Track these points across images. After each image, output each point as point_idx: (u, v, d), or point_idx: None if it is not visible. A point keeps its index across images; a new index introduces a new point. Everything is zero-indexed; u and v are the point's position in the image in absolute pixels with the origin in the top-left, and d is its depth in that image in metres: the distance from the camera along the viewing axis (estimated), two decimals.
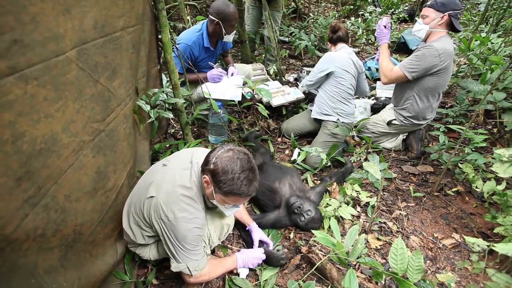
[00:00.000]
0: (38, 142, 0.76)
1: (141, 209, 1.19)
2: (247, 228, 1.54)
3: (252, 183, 1.09)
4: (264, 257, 1.40)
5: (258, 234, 1.50)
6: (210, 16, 2.10)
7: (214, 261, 1.29)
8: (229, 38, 2.22)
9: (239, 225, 1.60)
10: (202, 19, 2.31)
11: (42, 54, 0.75)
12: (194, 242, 1.15)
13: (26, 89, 0.71)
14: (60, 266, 0.92)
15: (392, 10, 5.43)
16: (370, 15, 4.81)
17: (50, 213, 0.83)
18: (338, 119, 2.15)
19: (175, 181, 1.16)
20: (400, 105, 2.13)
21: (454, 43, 3.63)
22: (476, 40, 2.98)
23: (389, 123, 2.21)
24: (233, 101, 2.25)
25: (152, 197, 1.15)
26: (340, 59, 2.11)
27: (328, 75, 2.15)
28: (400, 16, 5.07)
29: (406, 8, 5.46)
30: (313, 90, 2.45)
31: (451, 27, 1.87)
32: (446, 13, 1.81)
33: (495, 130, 2.43)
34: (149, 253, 1.31)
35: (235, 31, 2.23)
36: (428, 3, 1.92)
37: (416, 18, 5.96)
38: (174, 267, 1.16)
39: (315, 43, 3.97)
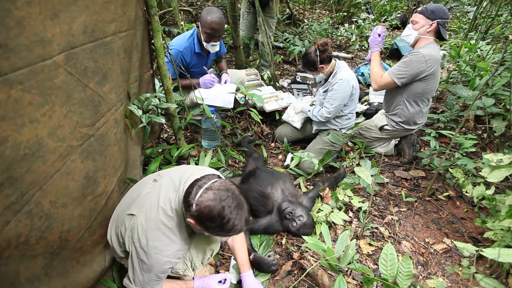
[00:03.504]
0: (22, 147, 0.75)
1: (122, 222, 1.15)
2: (240, 275, 1.34)
3: (242, 219, 0.99)
4: None
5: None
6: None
7: (167, 286, 1.20)
8: (208, 46, 2.13)
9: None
10: (192, 27, 2.31)
11: (27, 59, 0.74)
12: (159, 273, 1.07)
13: (10, 94, 0.71)
14: (44, 274, 0.90)
15: (385, 17, 5.53)
16: (363, 22, 4.89)
17: (34, 220, 0.81)
18: (340, 130, 2.20)
19: (158, 205, 1.09)
20: (391, 111, 2.17)
21: (444, 50, 3.71)
22: (466, 48, 3.05)
23: (381, 128, 2.24)
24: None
25: (132, 215, 1.11)
26: (353, 79, 2.04)
27: None
28: (393, 23, 5.16)
29: (399, 15, 5.56)
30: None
31: (438, 35, 1.93)
32: (435, 21, 1.86)
33: (485, 135, 2.47)
34: None
35: (216, 43, 2.14)
36: (419, 9, 1.96)
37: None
38: (125, 283, 1.11)
39: None
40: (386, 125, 2.20)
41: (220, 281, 1.29)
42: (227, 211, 0.95)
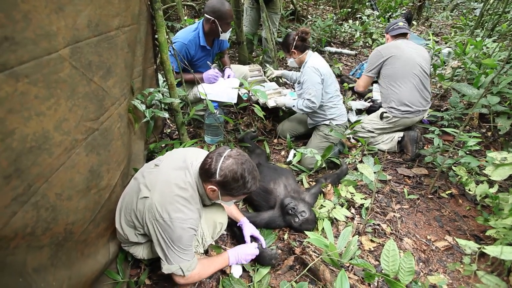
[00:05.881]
0: (29, 140, 0.76)
1: (134, 208, 1.19)
2: (238, 224, 1.54)
3: (257, 177, 1.18)
4: (257, 252, 1.39)
5: (249, 229, 1.49)
6: (205, 15, 2.11)
7: (204, 261, 1.28)
8: (225, 36, 2.23)
9: (231, 223, 1.58)
10: (193, 22, 2.35)
11: (33, 52, 0.75)
12: (188, 242, 1.15)
13: (17, 87, 0.71)
14: (50, 265, 0.91)
15: (390, 13, 5.47)
16: (367, 18, 4.84)
17: (40, 211, 0.83)
18: (330, 122, 2.19)
19: (169, 182, 1.16)
20: (384, 99, 2.34)
21: (450, 47, 3.68)
22: (472, 45, 3.01)
23: (381, 117, 2.31)
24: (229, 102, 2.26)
25: (146, 197, 1.15)
26: (322, 66, 2.11)
27: None
28: (398, 20, 5.11)
29: (404, 12, 5.50)
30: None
31: (396, 36, 2.44)
32: (387, 34, 2.53)
33: (489, 133, 2.45)
34: (142, 252, 1.31)
35: (230, 29, 2.24)
36: None
37: (414, 22, 6.01)
38: (166, 269, 1.15)
39: (313, 45, 3.99)
40: (386, 112, 2.29)
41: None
42: (247, 172, 1.12)
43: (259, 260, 1.43)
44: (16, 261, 0.78)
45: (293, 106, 2.22)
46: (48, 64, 0.81)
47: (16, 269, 0.78)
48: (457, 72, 3.02)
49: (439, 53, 3.51)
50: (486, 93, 2.11)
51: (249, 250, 1.36)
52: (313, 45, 3.94)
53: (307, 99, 2.09)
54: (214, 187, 1.14)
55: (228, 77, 2.36)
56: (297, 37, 2.12)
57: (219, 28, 2.12)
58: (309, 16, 4.96)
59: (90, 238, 1.14)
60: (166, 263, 1.15)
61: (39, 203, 0.81)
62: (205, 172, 1.13)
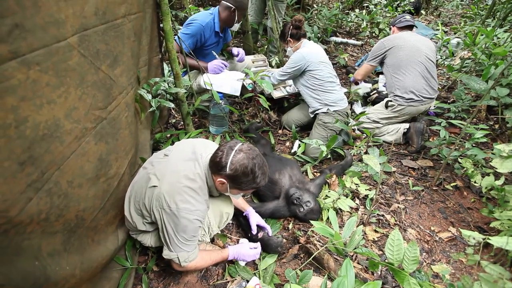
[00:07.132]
0: (41, 128, 0.77)
1: (142, 197, 1.20)
2: (244, 214, 1.56)
3: (266, 174, 1.20)
4: (257, 255, 1.39)
5: (255, 218, 1.51)
6: (226, 2, 2.13)
7: (204, 254, 1.29)
8: (236, 26, 2.28)
9: (236, 212, 1.59)
10: (198, 10, 2.36)
11: (43, 39, 0.75)
12: (193, 233, 1.16)
13: (29, 74, 0.71)
14: (63, 250, 0.94)
15: (398, 2, 5.33)
16: (375, 7, 4.73)
17: (53, 198, 0.84)
18: (328, 108, 2.18)
19: (179, 172, 1.17)
20: (389, 88, 2.39)
21: (459, 37, 3.60)
22: (482, 34, 2.94)
23: (387, 106, 2.32)
24: None
25: (154, 186, 1.17)
26: (311, 53, 2.15)
27: (303, 72, 2.19)
28: (406, 8, 4.98)
29: (412, 0, 5.35)
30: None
31: (402, 28, 2.49)
32: (392, 26, 2.59)
33: (496, 126, 2.42)
34: (150, 240, 1.34)
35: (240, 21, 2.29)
36: None
37: (422, 12, 5.86)
38: (166, 254, 1.18)
39: (318, 35, 3.92)
40: (391, 100, 2.31)
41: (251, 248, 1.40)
42: (257, 167, 1.13)
43: (266, 248, 1.46)
44: (32, 245, 0.80)
45: (272, 74, 2.32)
46: (57, 52, 0.80)
47: (32, 253, 0.80)
48: (466, 63, 2.97)
49: (447, 43, 3.44)
50: (495, 85, 2.08)
51: (250, 252, 1.36)
52: (319, 35, 3.87)
53: (279, 72, 2.24)
54: (224, 180, 1.15)
55: (238, 54, 2.42)
56: (291, 26, 2.17)
57: (236, 18, 2.16)
58: (314, 5, 4.85)
59: (99, 225, 1.17)
60: (167, 248, 1.18)
61: (52, 190, 0.83)
62: (216, 165, 1.14)
